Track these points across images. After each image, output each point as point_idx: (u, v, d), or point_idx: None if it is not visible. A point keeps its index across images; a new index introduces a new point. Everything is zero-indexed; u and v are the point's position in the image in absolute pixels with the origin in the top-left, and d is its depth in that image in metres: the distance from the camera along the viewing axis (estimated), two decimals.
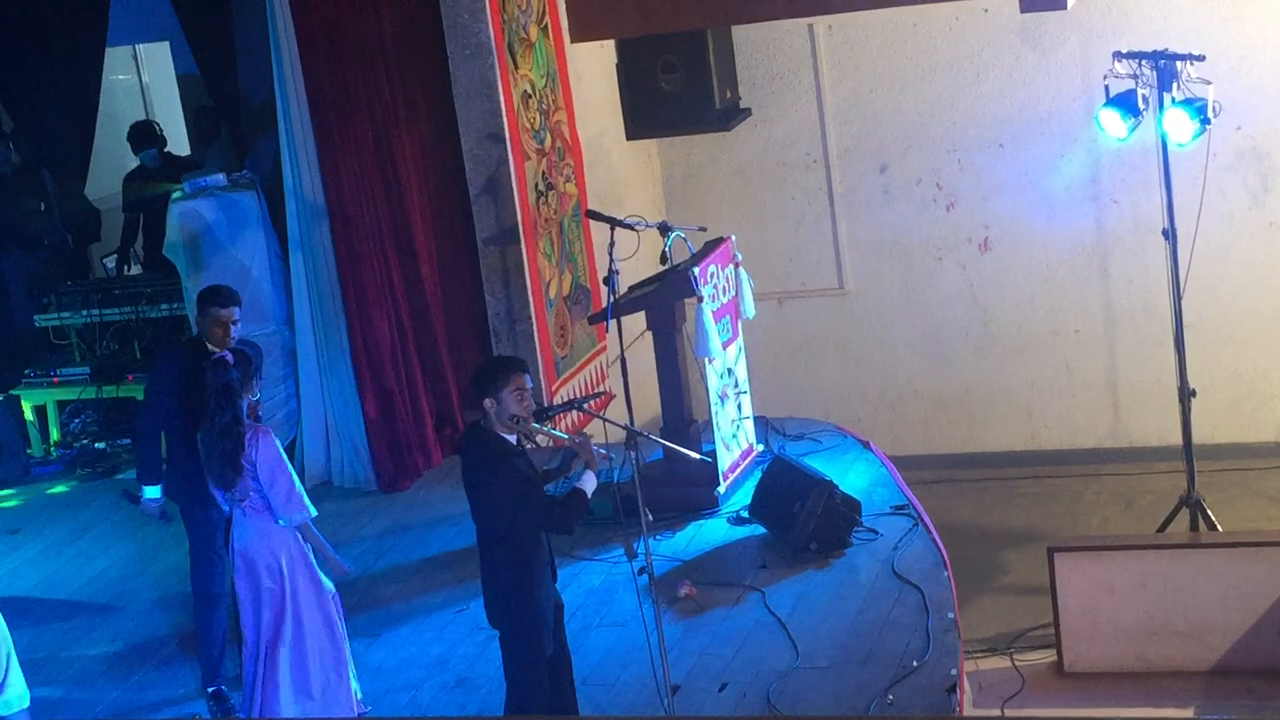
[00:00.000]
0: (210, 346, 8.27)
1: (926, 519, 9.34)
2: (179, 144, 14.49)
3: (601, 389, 11.68)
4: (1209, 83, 9.75)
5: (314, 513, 7.85)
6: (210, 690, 8.45)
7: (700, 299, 9.55)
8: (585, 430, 8.19)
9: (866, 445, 10.42)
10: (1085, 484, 12.26)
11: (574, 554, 9.28)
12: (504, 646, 7.24)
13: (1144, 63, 9.89)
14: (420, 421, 10.89)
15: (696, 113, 12.29)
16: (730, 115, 12.52)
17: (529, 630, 7.11)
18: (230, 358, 7.80)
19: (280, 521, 7.77)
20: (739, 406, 10.05)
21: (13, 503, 11.62)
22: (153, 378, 8.78)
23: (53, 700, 8.70)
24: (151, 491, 8.55)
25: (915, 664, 7.86)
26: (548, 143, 11.37)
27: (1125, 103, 10.00)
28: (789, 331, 13.11)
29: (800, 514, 9.07)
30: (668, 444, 8.20)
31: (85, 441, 12.22)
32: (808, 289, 13.08)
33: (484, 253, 11.17)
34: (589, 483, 7.09)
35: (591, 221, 11.12)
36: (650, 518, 7.30)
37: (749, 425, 10.20)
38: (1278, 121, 11.86)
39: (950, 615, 8.27)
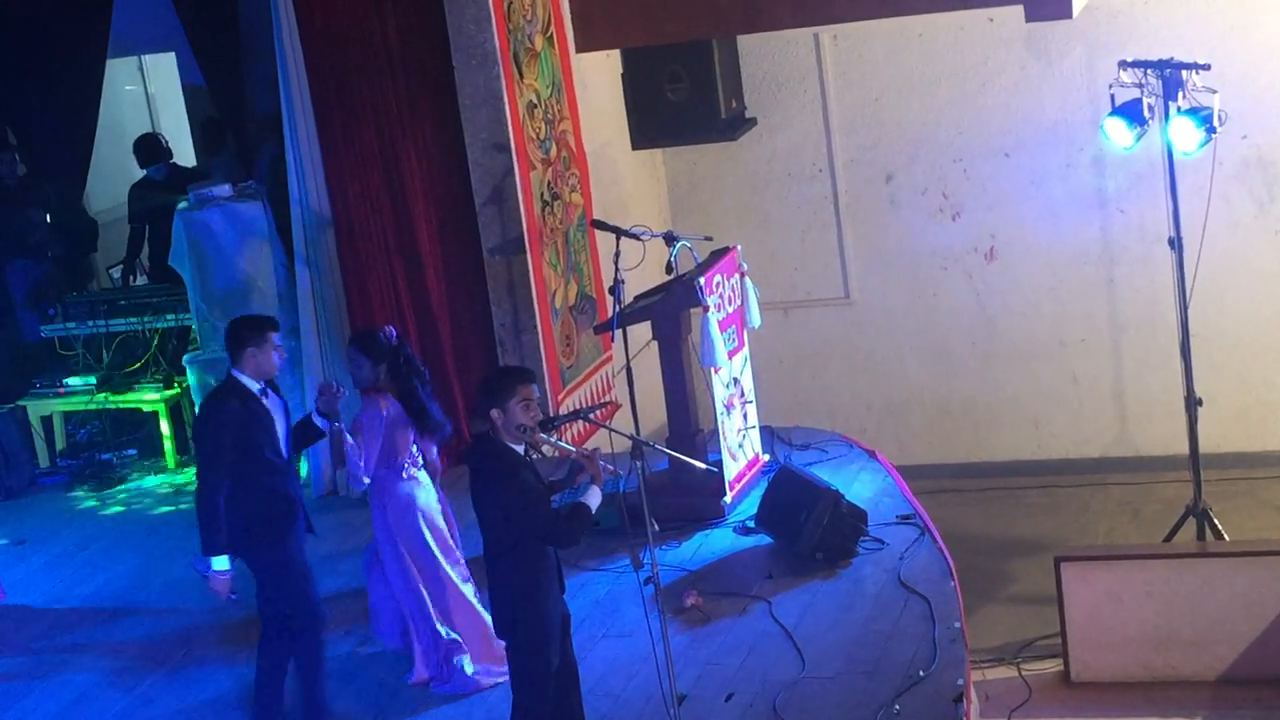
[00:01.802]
0: (249, 382, 7.79)
1: (933, 528, 9.33)
2: (185, 155, 14.49)
3: (607, 399, 11.67)
4: (1214, 91, 9.76)
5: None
6: None
7: (706, 308, 9.55)
8: (591, 440, 8.19)
9: (872, 455, 10.41)
10: (1092, 493, 12.25)
11: (580, 564, 9.27)
12: (511, 657, 7.23)
13: (1149, 72, 9.89)
14: None
15: (702, 122, 12.29)
16: (735, 125, 12.52)
17: (536, 641, 7.10)
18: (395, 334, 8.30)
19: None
20: (745, 416, 10.05)
21: (18, 513, 11.63)
22: (213, 433, 7.81)
23: (60, 711, 8.70)
24: (220, 563, 7.74)
25: (922, 674, 7.84)
26: (553, 152, 11.37)
27: (1131, 112, 10.00)
28: (794, 341, 13.11)
29: (806, 524, 9.06)
30: (673, 454, 8.18)
31: (91, 452, 12.22)
32: (813, 298, 13.08)
33: (489, 262, 11.16)
34: (593, 497, 7.07)
35: (597, 231, 11.13)
36: (656, 528, 7.28)
37: (755, 435, 10.20)
38: None
39: (956, 625, 8.26)
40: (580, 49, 11.68)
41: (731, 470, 9.87)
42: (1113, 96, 10.10)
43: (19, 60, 12.86)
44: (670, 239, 9.94)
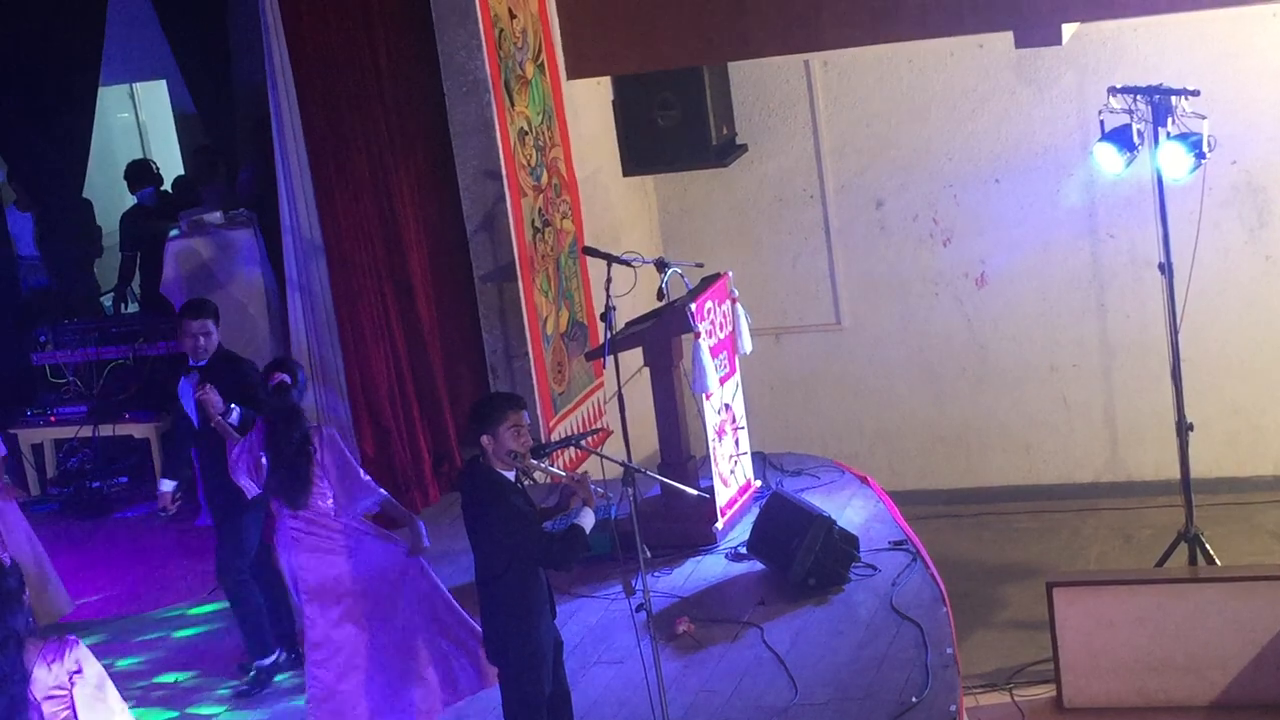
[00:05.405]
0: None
1: (925, 554, 9.33)
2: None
3: (599, 425, 11.68)
4: (1204, 117, 9.78)
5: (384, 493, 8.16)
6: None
7: (697, 335, 9.55)
8: (582, 467, 8.18)
9: (864, 480, 10.41)
10: (1083, 518, 12.25)
11: (572, 591, 9.26)
12: (503, 683, 7.23)
13: (1139, 98, 9.91)
14: (418, 459, 10.88)
15: (693, 149, 12.31)
16: (726, 151, 12.54)
17: (528, 667, 7.10)
18: (287, 379, 8.02)
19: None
20: (736, 442, 10.04)
21: None
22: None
23: None
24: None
25: (914, 700, 7.83)
26: (544, 179, 11.38)
27: (1120, 138, 10.03)
28: (786, 367, 13.11)
29: (798, 550, 9.05)
30: (665, 480, 8.18)
31: (81, 481, 12.18)
32: (804, 324, 13.08)
33: (481, 289, 11.17)
34: (587, 519, 7.08)
35: (588, 258, 11.14)
36: (648, 554, 7.28)
37: (746, 461, 10.19)
38: (1273, 155, 11.88)
39: (949, 650, 8.25)
40: (571, 76, 11.71)
41: (723, 496, 9.86)
42: (1102, 122, 10.12)
43: (11, 88, 12.86)
44: (661, 265, 9.94)
